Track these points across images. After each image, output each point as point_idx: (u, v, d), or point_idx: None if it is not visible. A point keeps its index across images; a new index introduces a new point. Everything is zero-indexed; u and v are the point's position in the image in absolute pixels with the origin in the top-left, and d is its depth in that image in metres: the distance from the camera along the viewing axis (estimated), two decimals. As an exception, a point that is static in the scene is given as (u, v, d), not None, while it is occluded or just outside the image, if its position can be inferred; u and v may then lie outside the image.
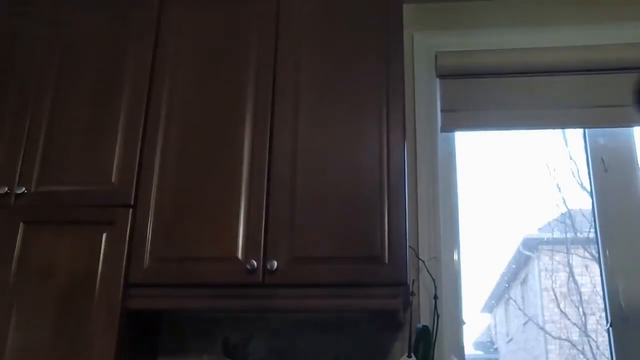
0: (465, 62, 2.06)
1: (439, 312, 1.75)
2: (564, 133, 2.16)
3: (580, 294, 3.02)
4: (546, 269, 3.25)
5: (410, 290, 1.73)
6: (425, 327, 1.68)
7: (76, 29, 1.89)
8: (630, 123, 1.97)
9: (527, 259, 3.43)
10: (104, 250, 1.62)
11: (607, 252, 1.87)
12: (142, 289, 1.60)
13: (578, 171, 1.94)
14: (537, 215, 2.95)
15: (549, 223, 3.15)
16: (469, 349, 1.89)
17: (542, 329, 3.20)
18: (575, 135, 2.03)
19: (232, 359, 1.69)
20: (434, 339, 1.70)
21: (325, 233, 1.58)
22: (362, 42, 1.75)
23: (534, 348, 3.40)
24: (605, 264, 1.86)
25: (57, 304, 1.58)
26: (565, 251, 3.18)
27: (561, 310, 3.10)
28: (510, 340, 3.66)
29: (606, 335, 1.80)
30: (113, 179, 1.70)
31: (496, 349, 3.81)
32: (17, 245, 1.65)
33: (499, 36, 2.08)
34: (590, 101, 1.98)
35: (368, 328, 1.80)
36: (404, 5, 1.82)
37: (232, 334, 1.80)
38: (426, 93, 2.04)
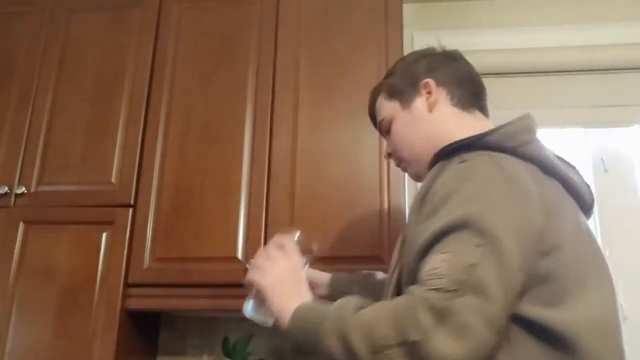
0: (465, 62, 2.05)
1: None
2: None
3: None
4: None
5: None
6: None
7: (76, 29, 1.89)
8: (630, 123, 1.97)
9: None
10: (104, 250, 1.62)
11: (607, 252, 1.87)
12: (142, 289, 1.60)
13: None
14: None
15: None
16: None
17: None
18: (576, 135, 2.02)
19: (232, 359, 1.69)
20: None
21: (325, 233, 1.58)
22: (361, 42, 1.75)
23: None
24: (605, 264, 1.86)
25: (57, 304, 1.58)
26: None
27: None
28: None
29: (606, 335, 1.80)
30: (113, 179, 1.70)
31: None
32: (17, 245, 1.65)
33: (499, 36, 2.08)
34: (590, 101, 1.98)
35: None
36: (404, 5, 1.81)
37: (232, 334, 1.80)
38: (426, 93, 2.04)
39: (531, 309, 0.77)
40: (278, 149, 1.68)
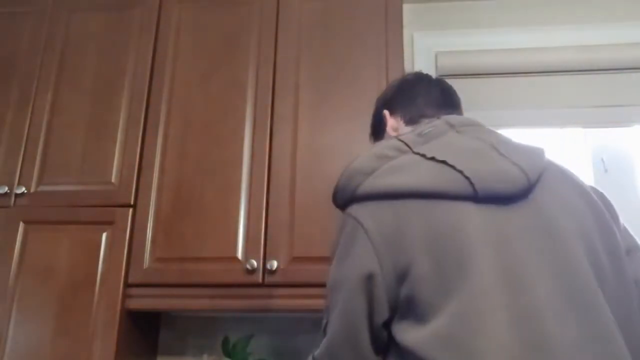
0: (465, 62, 2.06)
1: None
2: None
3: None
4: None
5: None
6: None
7: (76, 29, 1.89)
8: (630, 123, 1.97)
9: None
10: (104, 250, 1.62)
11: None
12: (142, 289, 1.60)
13: (578, 171, 1.95)
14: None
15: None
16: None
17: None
18: (576, 135, 2.03)
19: (232, 359, 1.69)
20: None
21: (325, 233, 1.58)
22: (362, 42, 1.75)
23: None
24: (605, 264, 1.86)
25: (57, 304, 1.58)
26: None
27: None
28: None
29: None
30: (113, 179, 1.70)
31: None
32: (17, 245, 1.65)
33: (499, 36, 2.08)
34: (590, 101, 1.98)
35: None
36: (404, 5, 1.82)
37: (232, 334, 1.80)
38: (426, 93, 2.04)
39: (401, 336, 0.81)
40: (278, 149, 1.68)
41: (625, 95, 1.97)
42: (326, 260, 1.56)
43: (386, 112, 1.14)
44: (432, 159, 0.89)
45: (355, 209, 0.92)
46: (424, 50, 2.09)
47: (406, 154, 0.93)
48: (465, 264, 0.78)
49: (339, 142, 1.67)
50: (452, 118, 1.00)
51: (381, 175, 0.91)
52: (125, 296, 1.59)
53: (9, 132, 1.79)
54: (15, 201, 1.71)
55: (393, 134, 1.10)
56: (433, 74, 2.04)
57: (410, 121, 1.10)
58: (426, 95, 1.12)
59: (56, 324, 1.57)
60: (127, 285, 1.60)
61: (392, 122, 1.13)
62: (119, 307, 1.56)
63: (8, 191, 1.71)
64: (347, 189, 0.96)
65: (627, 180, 1.93)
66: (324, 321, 0.91)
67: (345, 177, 0.98)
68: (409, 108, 1.11)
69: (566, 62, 2.02)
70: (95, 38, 1.87)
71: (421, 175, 0.87)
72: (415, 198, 0.85)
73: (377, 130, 1.18)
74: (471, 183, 0.84)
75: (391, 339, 0.84)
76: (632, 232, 1.04)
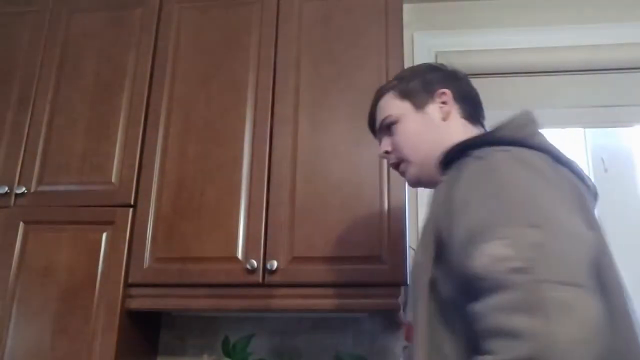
0: (465, 62, 2.05)
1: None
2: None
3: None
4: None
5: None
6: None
7: (76, 29, 1.89)
8: (630, 123, 1.97)
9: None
10: (104, 250, 1.62)
11: (607, 252, 1.87)
12: (142, 289, 1.60)
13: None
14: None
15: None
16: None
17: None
18: (576, 135, 2.03)
19: (232, 359, 1.69)
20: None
21: (325, 233, 1.58)
22: (362, 42, 1.75)
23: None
24: (605, 264, 1.86)
25: (57, 304, 1.58)
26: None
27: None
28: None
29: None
30: (113, 179, 1.70)
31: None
32: (17, 245, 1.65)
33: (499, 36, 2.08)
34: (590, 101, 1.98)
35: (368, 327, 1.80)
36: (404, 5, 1.81)
37: (232, 334, 1.80)
38: (426, 93, 2.04)
39: None
40: (278, 149, 1.68)
41: (625, 95, 1.97)
42: (326, 260, 1.56)
43: (449, 92, 1.09)
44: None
45: (531, 154, 0.87)
46: (424, 50, 2.09)
47: None
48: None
49: (339, 142, 1.67)
50: None
51: (546, 138, 0.95)
52: (125, 296, 1.59)
53: (9, 132, 1.79)
54: (15, 201, 1.71)
55: (448, 117, 1.07)
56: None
57: (469, 117, 1.09)
58: (476, 103, 1.13)
59: (56, 324, 1.57)
60: (127, 285, 1.60)
61: (449, 107, 1.08)
62: (119, 307, 1.56)
63: (8, 191, 1.71)
64: (522, 131, 0.92)
65: (627, 180, 1.93)
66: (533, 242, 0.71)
67: (522, 119, 0.95)
68: (465, 105, 1.09)
69: (566, 62, 2.02)
70: (95, 38, 1.87)
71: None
72: (570, 171, 0.91)
73: (420, 97, 1.09)
74: (594, 184, 0.97)
75: None
76: None
